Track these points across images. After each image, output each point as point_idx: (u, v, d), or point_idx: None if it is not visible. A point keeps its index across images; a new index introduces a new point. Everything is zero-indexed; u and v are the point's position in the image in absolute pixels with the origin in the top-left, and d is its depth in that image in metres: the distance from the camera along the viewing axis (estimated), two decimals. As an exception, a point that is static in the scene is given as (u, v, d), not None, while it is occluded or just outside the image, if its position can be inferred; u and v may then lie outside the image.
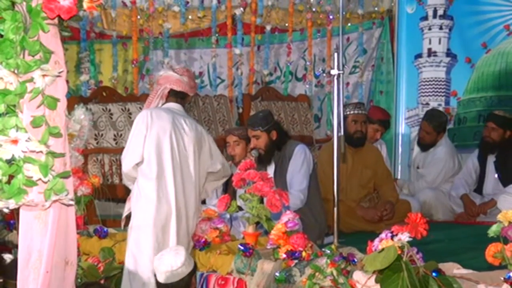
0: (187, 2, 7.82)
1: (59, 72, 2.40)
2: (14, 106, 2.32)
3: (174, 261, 3.53)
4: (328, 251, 3.91)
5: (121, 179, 6.15)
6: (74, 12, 2.34)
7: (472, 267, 3.66)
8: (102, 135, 6.29)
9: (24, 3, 2.33)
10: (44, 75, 2.32)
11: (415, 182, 6.90)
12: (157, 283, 3.59)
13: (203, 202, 5.62)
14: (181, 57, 8.22)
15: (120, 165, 6.13)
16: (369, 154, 6.05)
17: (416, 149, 7.09)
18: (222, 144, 6.52)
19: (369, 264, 3.35)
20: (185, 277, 3.53)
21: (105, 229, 4.94)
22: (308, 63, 8.20)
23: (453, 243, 5.17)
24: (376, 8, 8.48)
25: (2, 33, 2.32)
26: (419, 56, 8.17)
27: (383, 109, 7.28)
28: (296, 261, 3.97)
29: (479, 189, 6.58)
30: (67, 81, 2.57)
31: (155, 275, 3.60)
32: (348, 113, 5.90)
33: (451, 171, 6.85)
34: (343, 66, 4.69)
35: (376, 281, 3.37)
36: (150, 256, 3.99)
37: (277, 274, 3.89)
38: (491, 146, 6.46)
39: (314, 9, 8.15)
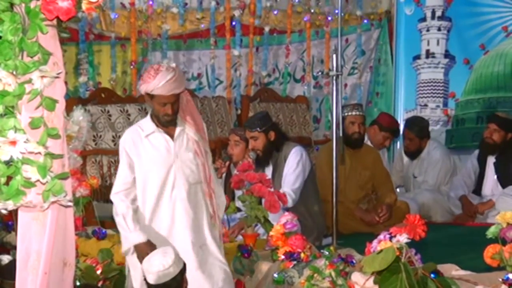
0: (186, 4, 7.82)
1: (58, 74, 2.40)
2: (13, 107, 2.32)
3: (165, 260, 3.55)
4: (327, 253, 3.91)
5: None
6: (72, 14, 2.34)
7: (471, 269, 3.66)
8: (100, 136, 6.29)
9: (23, 4, 2.33)
10: (42, 77, 2.33)
11: (415, 191, 6.90)
12: (149, 286, 3.59)
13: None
14: (180, 58, 8.23)
15: (118, 166, 6.15)
16: (367, 155, 6.06)
17: (405, 159, 7.09)
18: (220, 145, 6.53)
19: (367, 266, 3.35)
20: (177, 275, 3.55)
21: (104, 230, 4.93)
22: (306, 64, 8.21)
23: (452, 244, 5.18)
24: (374, 10, 8.48)
25: (1, 34, 2.32)
26: (417, 57, 8.19)
27: (394, 117, 7.32)
28: (294, 262, 3.97)
29: (477, 191, 6.58)
30: (66, 83, 2.57)
31: (145, 279, 3.61)
32: (346, 114, 5.91)
33: (450, 171, 6.87)
34: (341, 67, 4.70)
35: (375, 282, 3.38)
36: None
37: (275, 275, 3.89)
38: (492, 147, 6.46)
39: (312, 11, 8.16)
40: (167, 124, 3.84)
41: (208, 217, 3.85)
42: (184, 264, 3.64)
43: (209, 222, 3.85)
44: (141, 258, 3.71)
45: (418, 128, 6.88)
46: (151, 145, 3.85)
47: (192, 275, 3.68)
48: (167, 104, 3.77)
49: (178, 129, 3.83)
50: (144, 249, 3.71)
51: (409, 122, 7.11)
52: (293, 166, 5.23)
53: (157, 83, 3.72)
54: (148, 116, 3.91)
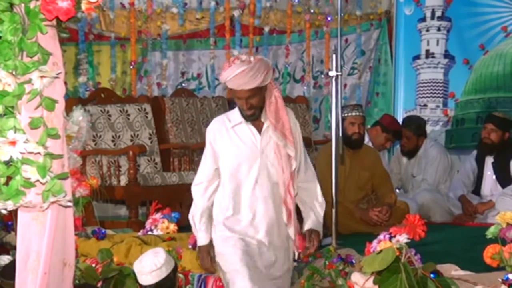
0: (185, 4, 7.83)
1: (57, 74, 2.40)
2: (12, 107, 2.32)
3: (157, 260, 3.57)
4: (326, 253, 3.91)
5: (119, 181, 6.16)
6: (72, 14, 2.34)
7: (470, 269, 3.66)
8: (100, 136, 6.29)
9: (23, 4, 2.33)
10: (42, 77, 2.33)
11: (415, 190, 6.90)
12: (143, 287, 3.61)
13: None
14: (180, 58, 8.23)
15: (118, 166, 6.14)
16: (367, 155, 6.05)
17: (403, 159, 7.09)
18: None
19: (367, 266, 3.35)
20: (170, 273, 3.57)
21: (103, 230, 4.93)
22: (306, 64, 8.21)
23: (451, 244, 5.17)
24: (374, 10, 8.49)
25: (1, 34, 2.32)
26: (417, 57, 8.19)
27: (396, 119, 7.33)
28: (294, 263, 3.96)
29: (477, 191, 6.59)
30: (65, 83, 2.57)
31: (138, 283, 3.62)
32: (346, 115, 5.90)
33: (448, 168, 6.90)
34: (341, 67, 4.69)
35: (374, 282, 3.38)
36: None
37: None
38: (489, 147, 6.47)
39: (312, 11, 8.16)
40: (247, 118, 3.62)
41: (283, 219, 3.70)
42: (176, 263, 3.66)
43: (283, 224, 3.71)
44: (199, 259, 3.68)
45: (415, 126, 6.90)
46: (237, 136, 3.66)
47: (259, 275, 3.57)
48: (241, 99, 3.56)
49: (265, 125, 3.62)
50: (204, 251, 3.66)
51: (406, 120, 7.14)
52: None
53: (226, 75, 3.52)
54: (237, 107, 3.70)
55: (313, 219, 3.79)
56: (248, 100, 3.56)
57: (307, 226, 3.78)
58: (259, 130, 3.64)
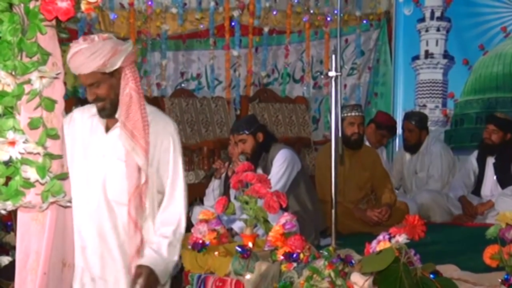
0: (185, 4, 7.83)
1: (57, 74, 2.40)
2: (12, 107, 2.32)
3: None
4: (326, 253, 3.91)
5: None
6: (71, 14, 2.34)
7: (470, 269, 3.66)
8: (99, 136, 6.28)
9: (22, 4, 2.33)
10: (41, 77, 2.33)
11: (416, 189, 6.90)
12: None
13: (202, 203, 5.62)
14: (179, 58, 8.22)
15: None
16: (367, 155, 6.06)
17: (406, 156, 7.09)
18: (218, 146, 6.52)
19: (366, 266, 3.35)
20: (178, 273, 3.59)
21: (103, 230, 4.92)
22: (306, 64, 8.21)
23: (451, 245, 5.18)
24: (373, 10, 8.49)
25: (0, 34, 2.32)
26: (416, 57, 8.19)
27: (390, 115, 7.33)
28: (294, 264, 3.96)
29: (477, 191, 6.59)
30: (65, 83, 2.56)
31: None
32: (345, 115, 5.91)
33: (452, 162, 6.91)
34: (340, 68, 4.69)
35: (374, 283, 3.38)
36: None
37: (279, 283, 3.88)
38: (491, 148, 6.47)
39: (312, 11, 8.16)
40: (99, 113, 2.94)
41: (122, 248, 2.94)
42: (182, 265, 3.67)
43: (124, 255, 2.94)
44: None
45: (418, 118, 6.90)
46: (86, 130, 3.02)
47: None
48: (87, 87, 2.91)
49: (116, 128, 2.94)
50: None
51: (408, 114, 7.13)
52: (275, 170, 5.20)
53: (67, 57, 2.86)
54: None
55: (151, 252, 2.96)
56: (92, 89, 2.89)
57: (143, 259, 2.95)
58: (108, 129, 2.98)
